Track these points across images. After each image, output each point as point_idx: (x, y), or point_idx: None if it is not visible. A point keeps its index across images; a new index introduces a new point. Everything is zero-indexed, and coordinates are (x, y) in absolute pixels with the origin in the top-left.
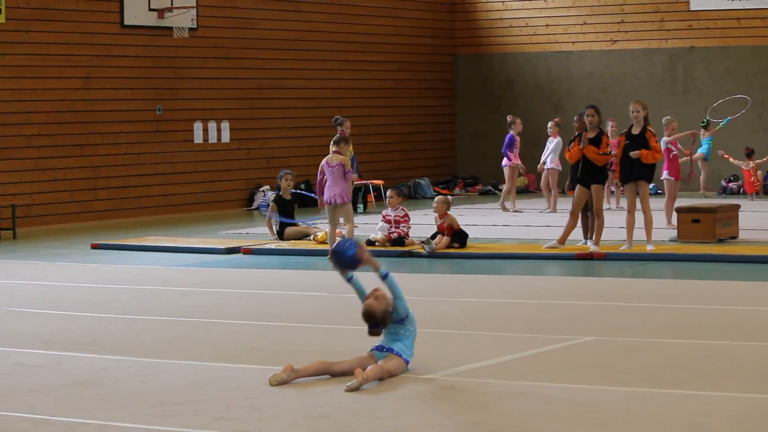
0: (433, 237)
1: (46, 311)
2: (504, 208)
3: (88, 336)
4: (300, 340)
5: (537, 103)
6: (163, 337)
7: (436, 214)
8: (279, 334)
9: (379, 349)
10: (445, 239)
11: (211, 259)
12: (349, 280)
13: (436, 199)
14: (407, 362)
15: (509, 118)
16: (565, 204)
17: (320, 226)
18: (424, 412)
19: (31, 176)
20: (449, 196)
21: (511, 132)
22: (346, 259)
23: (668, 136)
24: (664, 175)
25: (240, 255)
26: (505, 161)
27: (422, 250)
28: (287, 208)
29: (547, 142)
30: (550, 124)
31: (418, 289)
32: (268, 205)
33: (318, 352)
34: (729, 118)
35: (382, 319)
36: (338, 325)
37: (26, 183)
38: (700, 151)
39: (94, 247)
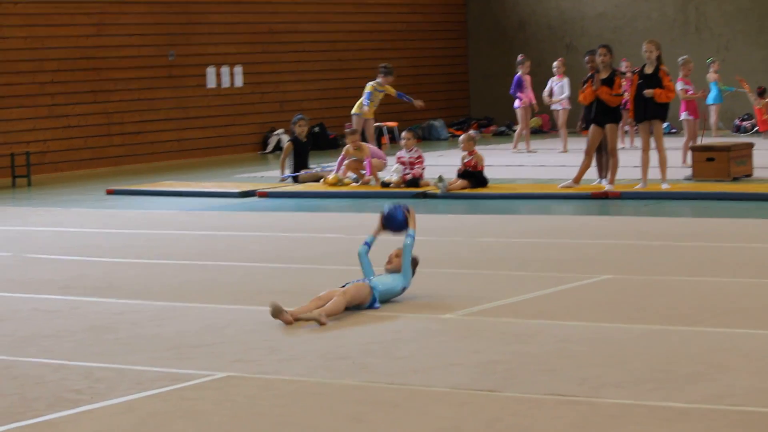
0: (459, 176)
1: (62, 257)
2: (516, 148)
3: (105, 281)
4: (316, 281)
5: (549, 44)
6: (180, 281)
7: (464, 152)
8: (296, 276)
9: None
10: (461, 181)
11: (226, 203)
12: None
13: (462, 137)
14: (372, 287)
15: (519, 58)
16: (578, 144)
17: (325, 168)
18: (442, 351)
19: (45, 123)
20: (472, 132)
21: (519, 73)
22: (397, 223)
23: (684, 76)
24: (683, 115)
25: (255, 198)
26: (516, 102)
27: (437, 191)
28: (303, 151)
29: (551, 82)
30: (556, 63)
31: (434, 229)
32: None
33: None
34: (734, 88)
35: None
36: (354, 266)
37: (40, 130)
38: (710, 97)
39: (110, 192)
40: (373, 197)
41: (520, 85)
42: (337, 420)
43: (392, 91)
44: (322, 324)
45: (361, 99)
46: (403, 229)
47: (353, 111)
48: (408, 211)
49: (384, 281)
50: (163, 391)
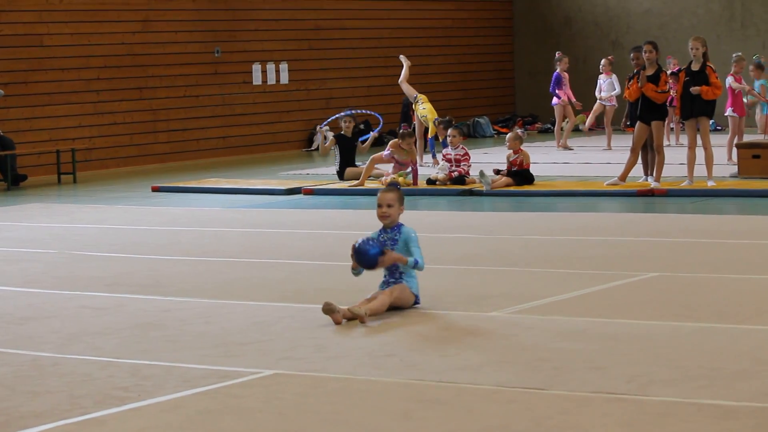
0: (497, 173)
1: (108, 254)
2: (562, 146)
3: (152, 278)
4: (363, 279)
5: (595, 40)
6: (226, 278)
7: (510, 151)
8: (342, 274)
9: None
10: (505, 179)
11: (272, 200)
12: (357, 274)
13: (508, 136)
14: (416, 295)
15: (557, 55)
16: (622, 141)
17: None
18: (489, 349)
19: (91, 120)
20: (519, 130)
21: (557, 70)
22: (369, 258)
23: (736, 73)
24: (728, 111)
25: (301, 195)
26: (554, 100)
27: (482, 188)
28: (348, 147)
29: (600, 80)
30: (603, 61)
31: (480, 227)
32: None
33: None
34: None
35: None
36: None
37: (85, 127)
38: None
39: (155, 189)
40: (420, 195)
41: (559, 83)
42: (385, 417)
43: (439, 136)
44: (362, 322)
45: (429, 117)
46: (373, 267)
47: (424, 115)
48: (383, 252)
49: (413, 270)
50: (210, 389)
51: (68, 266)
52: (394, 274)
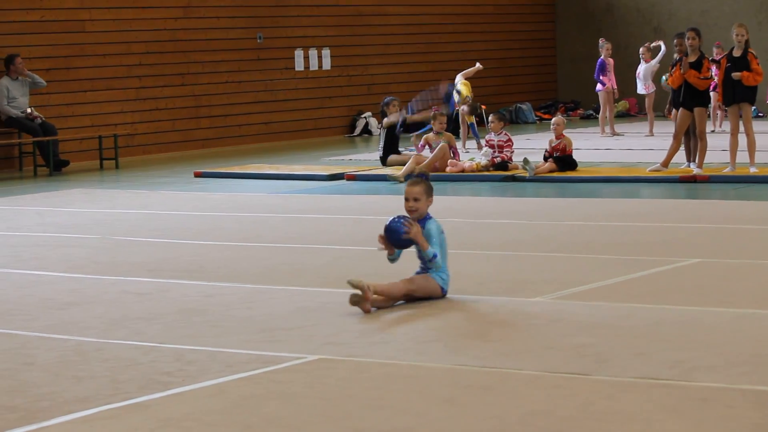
0: (545, 159)
1: (151, 239)
2: (604, 132)
3: (195, 263)
4: (405, 264)
5: (636, 27)
6: (269, 264)
7: (552, 136)
8: (385, 259)
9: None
10: (548, 165)
11: (314, 186)
12: (393, 260)
13: (555, 120)
14: (443, 290)
15: (600, 41)
16: (665, 127)
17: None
18: (534, 334)
19: (133, 106)
20: (561, 116)
21: (602, 56)
22: (399, 235)
23: None
24: None
25: (343, 181)
26: (599, 86)
27: (525, 174)
28: (393, 134)
29: (640, 67)
30: (641, 49)
31: (523, 212)
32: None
33: None
34: None
35: None
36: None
37: (128, 113)
38: None
39: (197, 175)
40: (462, 180)
41: (603, 69)
42: (429, 402)
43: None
44: (365, 297)
45: (463, 93)
46: (404, 245)
47: (459, 90)
48: (410, 224)
49: (444, 270)
50: (254, 374)
51: (111, 252)
52: (425, 265)
